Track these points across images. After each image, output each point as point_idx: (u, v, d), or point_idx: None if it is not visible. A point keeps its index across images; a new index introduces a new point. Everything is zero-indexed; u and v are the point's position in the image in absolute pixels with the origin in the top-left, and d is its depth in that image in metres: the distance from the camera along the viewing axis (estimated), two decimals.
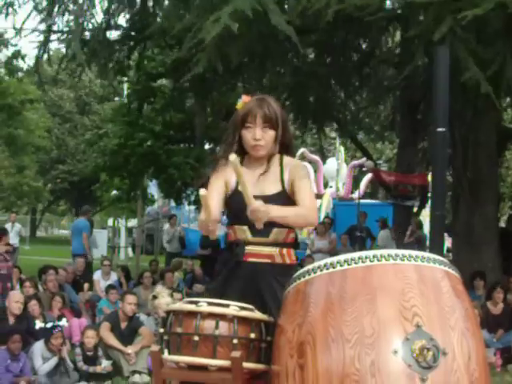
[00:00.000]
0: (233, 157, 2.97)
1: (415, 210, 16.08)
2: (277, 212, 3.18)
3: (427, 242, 13.14)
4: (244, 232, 3.45)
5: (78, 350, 7.92)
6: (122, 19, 13.97)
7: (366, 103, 16.93)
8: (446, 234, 11.68)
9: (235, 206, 3.43)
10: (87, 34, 13.28)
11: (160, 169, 20.69)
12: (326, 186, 25.62)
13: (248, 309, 3.09)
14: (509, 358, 9.21)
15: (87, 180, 34.65)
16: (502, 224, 16.33)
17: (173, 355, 3.05)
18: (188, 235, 21.49)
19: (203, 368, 3.02)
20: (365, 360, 2.60)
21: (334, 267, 2.84)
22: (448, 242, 15.85)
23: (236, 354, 2.96)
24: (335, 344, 2.66)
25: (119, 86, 24.55)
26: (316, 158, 23.63)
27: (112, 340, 8.24)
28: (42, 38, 13.53)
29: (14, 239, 16.88)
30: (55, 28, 13.60)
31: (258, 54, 11.78)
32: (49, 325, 7.98)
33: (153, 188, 26.98)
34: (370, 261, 2.81)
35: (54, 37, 13.72)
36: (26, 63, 29.60)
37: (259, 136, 3.45)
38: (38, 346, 7.65)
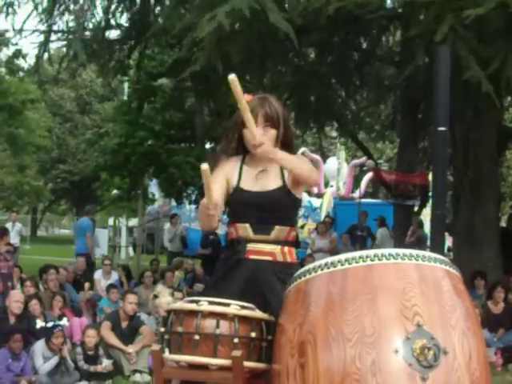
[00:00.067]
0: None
1: (416, 209, 16.08)
2: (284, 155, 3.27)
3: (428, 242, 13.16)
4: (246, 229, 3.46)
5: (78, 350, 7.93)
6: (122, 18, 13.99)
7: (367, 103, 16.93)
8: (446, 234, 11.68)
9: (236, 203, 3.43)
10: (87, 33, 13.28)
11: (160, 168, 20.72)
12: (326, 185, 25.62)
13: (249, 308, 3.09)
14: (509, 357, 9.21)
15: (88, 179, 34.67)
16: (503, 223, 16.33)
17: (174, 354, 3.05)
18: (189, 234, 21.48)
19: (204, 367, 3.02)
20: (366, 359, 2.60)
21: (334, 266, 2.84)
22: (449, 242, 15.84)
23: (237, 353, 2.96)
24: (336, 343, 2.66)
25: (120, 85, 24.57)
26: (317, 157, 23.61)
27: (113, 339, 8.24)
28: (42, 37, 13.54)
29: (14, 239, 16.88)
30: (55, 27, 13.61)
31: (259, 54, 11.77)
32: (49, 324, 7.99)
33: (153, 187, 26.99)
34: (371, 260, 2.81)
35: (54, 37, 13.74)
36: (27, 62, 29.59)
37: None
38: (39, 346, 7.66)
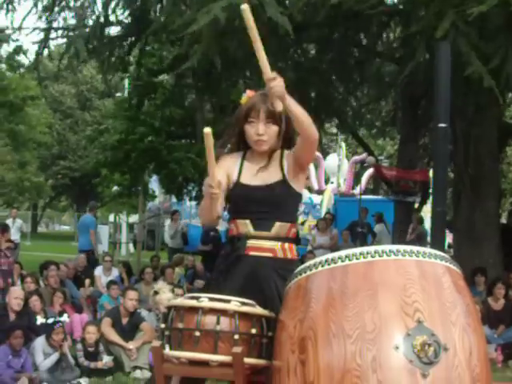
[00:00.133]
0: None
1: (416, 206, 16.09)
2: (292, 101, 3.24)
3: (428, 238, 13.17)
4: (246, 226, 3.45)
5: (79, 346, 7.93)
6: (122, 15, 13.97)
7: (368, 99, 16.92)
8: (447, 230, 11.68)
9: (236, 197, 3.43)
10: (87, 30, 13.27)
11: (161, 164, 20.71)
12: (327, 181, 25.62)
13: (249, 304, 3.09)
14: (510, 353, 9.20)
15: (88, 176, 34.67)
16: (503, 220, 16.33)
17: (174, 351, 3.05)
18: (189, 231, 21.50)
19: (204, 363, 3.02)
20: (366, 355, 2.60)
21: (335, 263, 2.84)
22: (449, 238, 15.84)
23: (237, 349, 2.96)
24: (336, 339, 2.66)
25: (121, 82, 24.56)
26: (317, 153, 23.62)
27: (113, 336, 8.25)
28: (42, 35, 13.54)
29: (15, 235, 16.87)
30: (56, 24, 13.60)
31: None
32: (50, 320, 8.00)
33: (154, 184, 26.99)
34: (372, 256, 2.81)
35: (54, 34, 13.74)
36: (28, 58, 29.59)
37: (262, 131, 3.45)
38: (40, 342, 7.66)
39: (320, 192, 24.45)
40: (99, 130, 26.57)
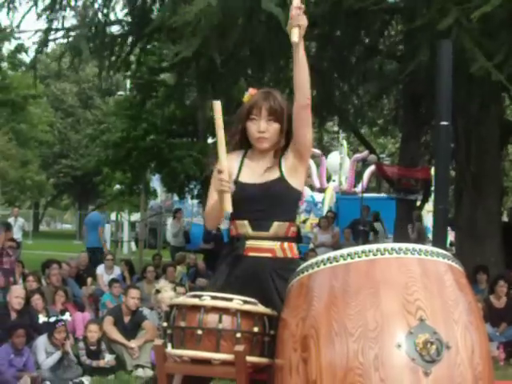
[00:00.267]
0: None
1: (418, 203, 16.09)
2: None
3: (429, 236, 13.17)
4: (244, 226, 3.44)
5: (81, 345, 7.93)
6: (121, 14, 13.98)
7: (369, 97, 16.91)
8: (448, 228, 11.69)
9: (236, 197, 3.41)
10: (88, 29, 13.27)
11: (163, 162, 20.73)
12: (328, 180, 25.66)
13: (251, 302, 3.09)
14: None
15: (90, 174, 34.71)
16: (504, 218, 16.32)
17: (176, 349, 3.05)
18: (192, 229, 21.53)
19: (207, 362, 3.02)
20: (368, 354, 2.60)
21: (337, 261, 2.84)
22: (451, 236, 15.85)
23: (239, 347, 2.96)
24: (339, 338, 2.66)
25: (123, 80, 24.57)
26: (317, 151, 23.65)
27: (115, 334, 8.25)
28: (42, 35, 13.51)
29: (16, 234, 16.87)
30: (56, 23, 13.59)
31: (260, 48, 11.77)
32: (52, 319, 8.00)
33: (156, 182, 27.03)
34: (374, 254, 2.81)
35: (54, 34, 13.71)
36: (29, 56, 29.58)
37: (263, 128, 3.44)
38: (42, 341, 7.66)
39: (322, 190, 24.48)
40: (100, 130, 26.57)
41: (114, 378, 7.76)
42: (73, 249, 23.40)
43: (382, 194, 23.29)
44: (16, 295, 8.28)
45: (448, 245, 12.17)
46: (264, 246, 3.42)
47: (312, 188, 24.71)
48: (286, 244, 3.45)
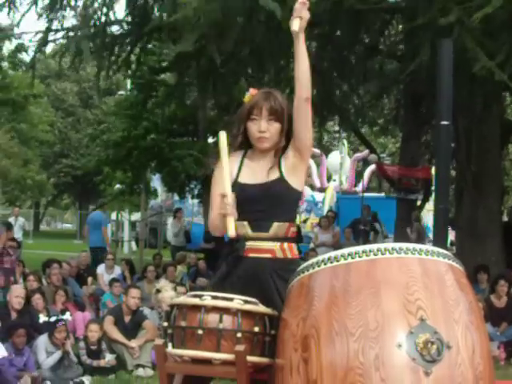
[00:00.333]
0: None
1: (419, 203, 16.08)
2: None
3: (430, 235, 13.16)
4: (244, 227, 3.43)
5: (81, 344, 7.93)
6: (121, 14, 13.94)
7: (370, 97, 16.90)
8: (449, 228, 11.69)
9: (235, 198, 3.40)
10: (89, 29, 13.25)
11: (163, 162, 20.72)
12: (329, 179, 25.64)
13: (252, 302, 3.09)
14: None
15: (90, 174, 34.72)
16: (505, 218, 16.31)
17: (177, 349, 3.05)
18: (192, 229, 21.54)
19: (207, 362, 3.02)
20: (369, 354, 2.60)
21: (337, 261, 2.84)
22: (451, 236, 15.85)
23: (240, 347, 2.96)
24: (339, 337, 2.66)
25: (123, 80, 24.56)
26: (317, 150, 23.65)
27: (116, 334, 8.25)
28: (42, 35, 13.50)
29: (17, 233, 16.88)
30: (56, 23, 13.58)
31: (260, 48, 11.76)
32: (52, 319, 8.00)
33: (156, 182, 27.02)
34: (374, 254, 2.81)
35: (54, 34, 13.70)
36: (29, 56, 29.56)
37: (264, 128, 3.44)
38: (42, 340, 7.66)
39: (322, 190, 24.48)
40: (101, 130, 26.57)
41: (114, 377, 7.76)
42: (73, 248, 23.42)
43: (382, 194, 23.30)
44: (16, 295, 8.29)
45: (449, 244, 12.15)
46: (264, 246, 3.42)
47: (312, 188, 24.71)
48: (285, 244, 3.45)
